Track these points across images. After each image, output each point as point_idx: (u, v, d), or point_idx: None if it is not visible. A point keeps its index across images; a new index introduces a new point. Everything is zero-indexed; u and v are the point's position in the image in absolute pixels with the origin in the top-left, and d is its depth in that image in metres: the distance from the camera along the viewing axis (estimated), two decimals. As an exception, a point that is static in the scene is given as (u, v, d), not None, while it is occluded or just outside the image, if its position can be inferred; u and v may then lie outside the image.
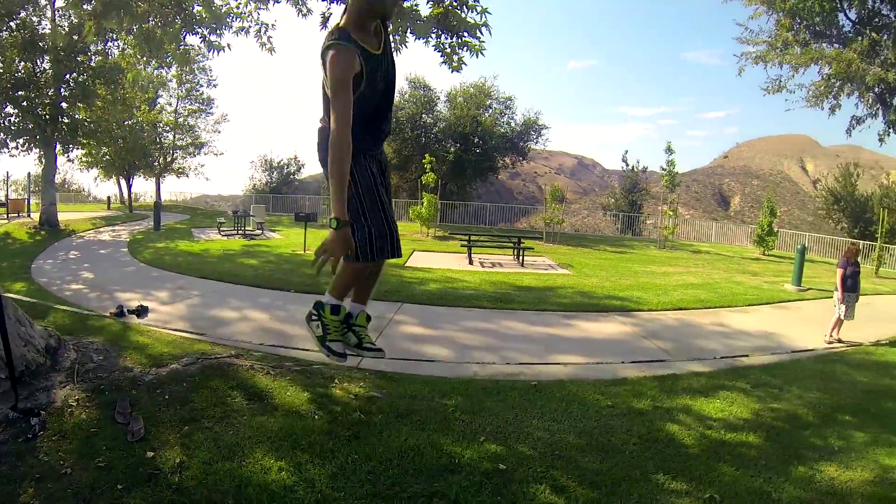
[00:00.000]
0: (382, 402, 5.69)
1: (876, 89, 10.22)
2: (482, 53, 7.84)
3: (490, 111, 37.52)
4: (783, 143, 77.19)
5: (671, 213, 28.25)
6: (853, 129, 10.98)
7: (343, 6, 3.33)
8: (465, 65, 7.96)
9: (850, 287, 10.90)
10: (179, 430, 4.64)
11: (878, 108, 10.66)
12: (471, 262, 17.42)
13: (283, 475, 4.14)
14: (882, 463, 5.86)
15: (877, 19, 9.96)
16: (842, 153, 62.55)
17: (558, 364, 7.70)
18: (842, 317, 10.91)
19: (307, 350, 7.24)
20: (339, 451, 4.55)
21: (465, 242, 18.48)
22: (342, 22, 3.01)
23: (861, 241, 28.09)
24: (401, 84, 41.06)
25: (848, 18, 10.37)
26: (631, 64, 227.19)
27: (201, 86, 38.62)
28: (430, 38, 8.18)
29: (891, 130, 10.65)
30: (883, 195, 36.14)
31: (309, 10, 9.13)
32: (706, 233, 36.50)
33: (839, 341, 10.96)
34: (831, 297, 11.46)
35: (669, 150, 28.74)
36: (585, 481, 4.61)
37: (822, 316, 12.02)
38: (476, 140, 36.09)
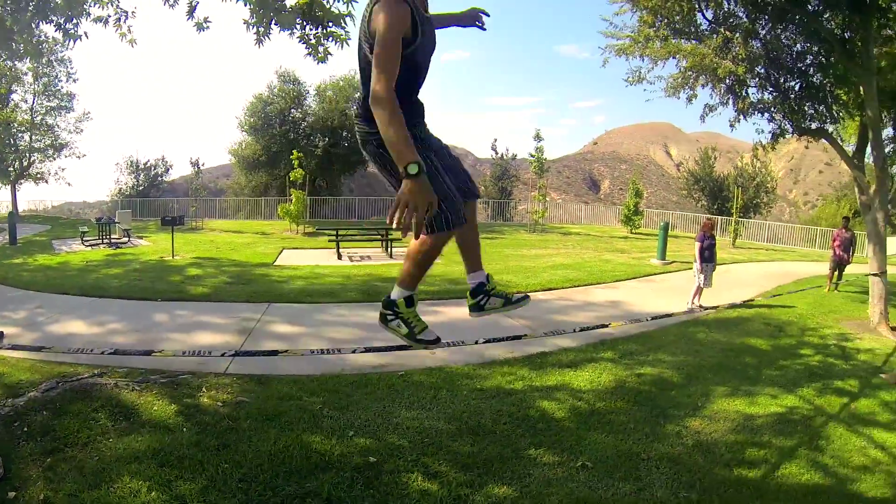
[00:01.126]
0: (251, 407, 5.60)
1: (727, 81, 10.95)
2: (347, 43, 7.63)
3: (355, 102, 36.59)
4: (649, 130, 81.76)
5: (541, 197, 28.93)
6: (706, 116, 11.71)
7: None
8: (331, 55, 7.56)
9: (707, 258, 11.74)
10: (42, 462, 4.34)
11: (728, 98, 11.44)
12: (339, 258, 17.22)
13: (153, 496, 4.01)
14: (743, 412, 6.39)
15: (732, 20, 10.76)
16: (702, 139, 67.22)
17: (422, 350, 7.77)
18: (701, 285, 11.75)
19: (175, 356, 6.82)
20: (209, 463, 4.45)
21: (333, 238, 18.13)
22: None
23: (718, 217, 30.31)
24: (269, 78, 39.48)
25: (705, 18, 11.10)
26: (504, 56, 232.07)
27: (60, 80, 34.46)
28: (294, 30, 7.83)
29: (740, 117, 11.44)
30: (737, 175, 39.36)
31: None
32: (578, 215, 37.66)
33: (701, 307, 11.67)
34: (692, 269, 12.19)
35: (538, 138, 29.39)
36: (457, 465, 4.71)
37: (684, 285, 12.85)
38: (344, 134, 35.33)
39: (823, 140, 12.25)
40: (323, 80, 37.58)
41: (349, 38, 7.68)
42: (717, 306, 11.62)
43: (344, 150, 35.00)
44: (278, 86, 35.59)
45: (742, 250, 24.88)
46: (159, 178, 39.86)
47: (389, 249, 18.07)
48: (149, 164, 39.19)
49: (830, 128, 12.32)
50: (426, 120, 3.00)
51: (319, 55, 7.92)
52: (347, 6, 7.51)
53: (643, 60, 11.86)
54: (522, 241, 24.04)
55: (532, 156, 29.65)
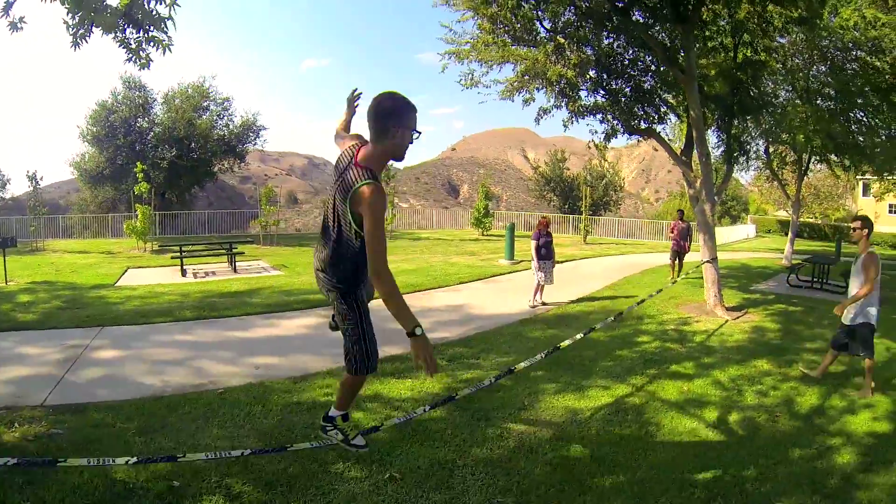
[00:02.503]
0: (63, 439, 4.93)
1: (559, 85, 11.23)
2: (169, 49, 7.29)
3: (208, 113, 35.68)
4: (506, 135, 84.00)
5: (389, 203, 28.49)
6: (541, 118, 12.12)
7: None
8: (152, 61, 7.22)
9: (544, 255, 11.75)
10: None
11: (562, 101, 11.78)
12: (183, 274, 16.21)
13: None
14: (572, 407, 6.09)
15: (569, 28, 11.07)
16: (558, 142, 69.84)
17: (250, 366, 7.23)
18: (541, 282, 11.75)
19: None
20: (12, 502, 3.93)
21: (177, 254, 17.12)
22: (365, 161, 3.32)
23: (570, 215, 31.67)
24: (114, 84, 36.71)
25: (543, 27, 11.33)
26: (365, 64, 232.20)
27: None
28: (116, 33, 7.30)
29: (573, 119, 11.82)
30: (586, 175, 41.48)
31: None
32: (435, 220, 38.02)
33: (543, 304, 11.78)
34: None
35: None
36: (261, 484, 4.31)
37: (529, 284, 12.68)
38: (192, 144, 34.12)
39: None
40: (171, 88, 35.75)
41: (171, 44, 7.33)
42: (560, 302, 11.85)
43: (191, 162, 33.48)
44: (123, 92, 33.34)
45: (593, 246, 25.84)
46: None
47: (234, 264, 17.30)
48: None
49: (659, 128, 12.93)
50: None
51: (142, 60, 7.45)
52: (170, 9, 7.05)
53: (482, 66, 11.97)
54: None
55: None
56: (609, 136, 12.44)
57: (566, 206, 39.48)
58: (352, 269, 3.51)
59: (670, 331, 9.71)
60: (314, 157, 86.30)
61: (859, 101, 17.34)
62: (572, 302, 12.13)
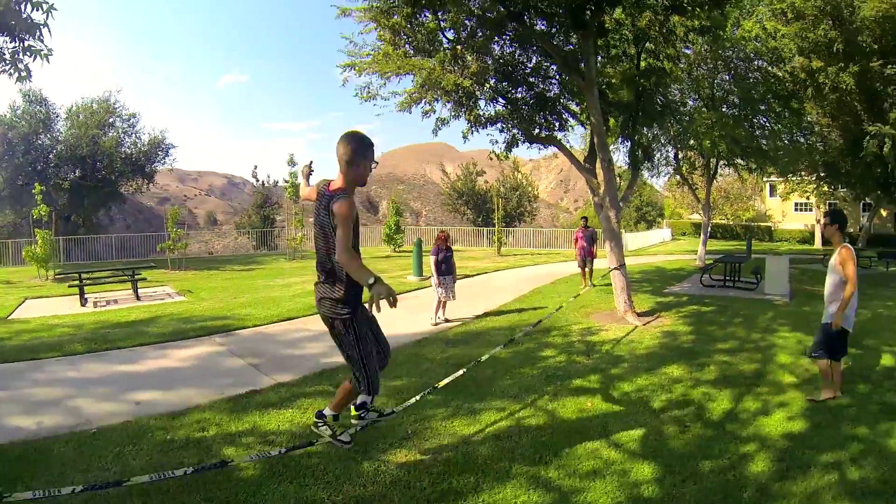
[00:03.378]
0: None
1: (458, 94, 10.90)
2: (48, 59, 6.96)
3: (113, 130, 33.83)
4: (424, 150, 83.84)
5: (298, 224, 28.57)
6: (439, 129, 11.74)
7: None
8: (31, 73, 7.00)
9: (445, 271, 11.27)
10: None
11: (460, 111, 11.42)
12: (83, 304, 15.16)
13: None
14: (461, 433, 5.52)
15: (472, 39, 10.73)
16: (476, 156, 70.13)
17: (132, 402, 6.70)
18: (442, 298, 11.27)
19: None
20: None
21: (75, 283, 15.89)
22: (340, 184, 4.12)
23: (485, 228, 31.58)
24: (13, 97, 34.89)
25: (445, 37, 10.96)
26: (285, 79, 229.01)
27: None
28: None
29: (473, 129, 11.46)
30: (500, 187, 41.47)
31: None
32: (350, 238, 37.10)
33: (446, 321, 11.29)
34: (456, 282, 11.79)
35: (292, 163, 28.94)
36: None
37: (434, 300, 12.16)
38: (97, 164, 32.07)
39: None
40: (75, 102, 33.98)
41: (50, 53, 6.96)
42: (465, 318, 11.35)
43: (96, 182, 31.68)
44: (23, 107, 30.96)
45: (507, 258, 25.70)
46: None
47: (136, 291, 16.35)
48: None
49: (561, 135, 12.71)
50: None
51: (22, 73, 7.13)
52: (47, 14, 6.68)
53: (381, 78, 11.54)
54: (280, 271, 22.81)
55: (286, 181, 29.11)
56: (510, 146, 12.13)
57: (480, 219, 39.40)
58: (351, 283, 4.14)
59: (577, 342, 9.30)
60: (233, 177, 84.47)
61: (762, 107, 17.99)
62: (478, 317, 11.65)
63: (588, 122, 12.05)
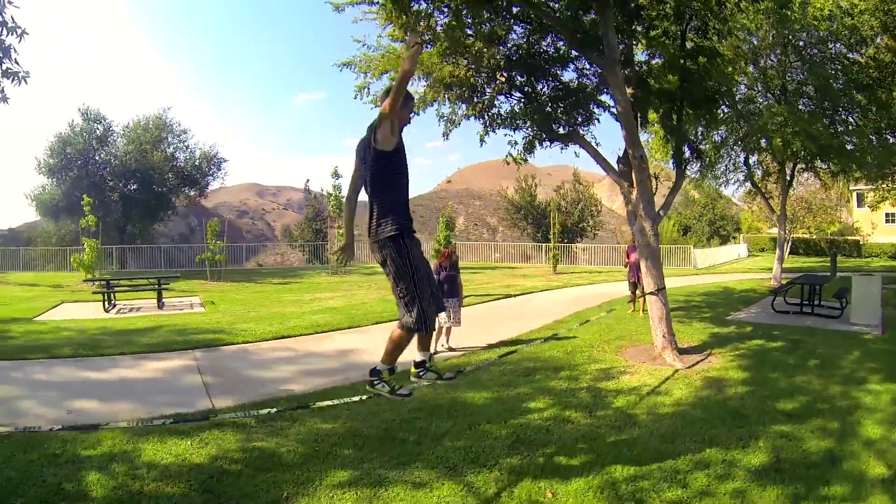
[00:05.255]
0: None
1: (459, 89, 9.32)
2: (26, 81, 7.01)
3: (165, 145, 34.18)
4: (501, 166, 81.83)
5: (341, 237, 26.59)
6: (449, 132, 9.81)
7: None
8: (8, 97, 7.04)
9: (447, 293, 9.30)
10: None
11: (462, 107, 9.65)
12: (107, 310, 14.97)
13: None
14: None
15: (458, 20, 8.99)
16: (554, 172, 67.81)
17: (65, 410, 6.34)
18: (442, 324, 9.25)
19: None
20: None
21: (99, 290, 16.15)
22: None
23: (543, 244, 29.30)
24: (71, 115, 36.93)
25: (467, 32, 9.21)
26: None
27: None
28: None
29: (489, 130, 9.57)
30: (559, 201, 38.51)
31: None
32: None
33: (449, 349, 9.35)
34: (488, 303, 9.81)
35: (336, 175, 27.64)
36: None
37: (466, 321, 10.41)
38: (149, 177, 32.23)
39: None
40: (131, 120, 34.53)
41: (28, 75, 7.09)
42: (472, 347, 9.33)
43: (147, 195, 32.14)
44: (81, 124, 31.62)
45: (563, 276, 23.40)
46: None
47: (159, 300, 16.16)
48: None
49: (584, 131, 10.08)
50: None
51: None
52: (21, 38, 6.86)
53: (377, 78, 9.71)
54: (315, 285, 21.30)
55: (329, 194, 28.15)
56: (531, 147, 9.83)
57: (539, 234, 36.68)
58: (394, 197, 4.01)
59: (585, 389, 6.91)
60: (311, 192, 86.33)
61: (843, 100, 14.90)
62: (489, 346, 9.50)
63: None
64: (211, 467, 4.60)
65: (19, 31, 6.76)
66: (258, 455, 4.86)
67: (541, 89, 9.78)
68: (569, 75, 10.03)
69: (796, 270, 23.45)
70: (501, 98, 9.73)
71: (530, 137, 9.76)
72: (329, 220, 29.69)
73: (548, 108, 9.53)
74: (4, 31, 6.82)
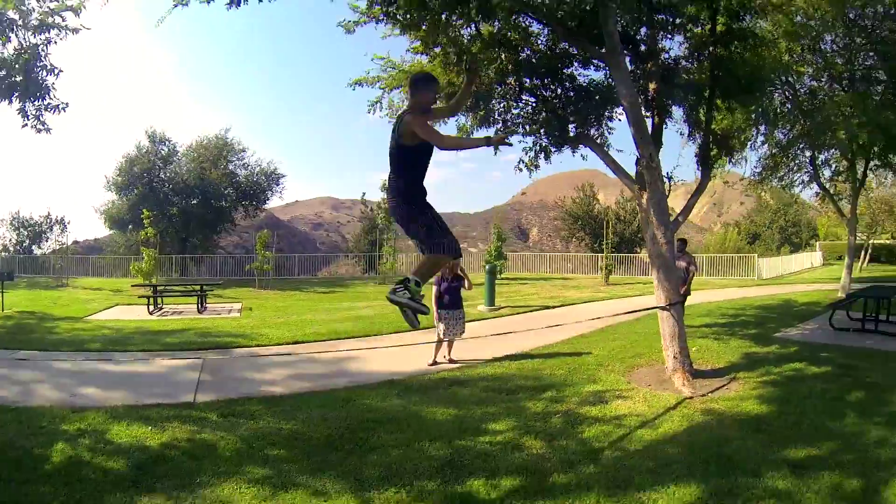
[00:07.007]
0: None
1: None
2: (65, 110, 8.27)
3: (232, 163, 36.17)
4: (576, 177, 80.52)
5: (390, 249, 27.33)
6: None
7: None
8: (51, 128, 8.52)
9: (448, 304, 8.89)
10: None
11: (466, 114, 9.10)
12: (150, 313, 15.68)
13: None
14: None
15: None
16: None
17: (70, 394, 7.06)
18: (441, 335, 8.86)
19: None
20: None
21: (144, 295, 17.03)
22: (409, 108, 4.24)
23: (599, 254, 28.08)
24: (139, 137, 38.81)
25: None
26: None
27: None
28: (12, 101, 8.40)
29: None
30: (619, 209, 37.02)
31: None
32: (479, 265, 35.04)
33: (451, 361, 8.86)
34: (524, 314, 9.37)
35: (385, 188, 27.03)
36: None
37: (487, 331, 10.40)
38: (207, 193, 34.23)
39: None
40: (194, 139, 36.64)
41: (66, 105, 8.44)
42: (478, 360, 8.81)
43: (202, 210, 34.15)
44: (147, 146, 33.98)
45: (613, 287, 22.27)
46: (42, 235, 37.33)
47: (201, 305, 16.86)
48: (34, 221, 36.93)
49: (595, 133, 9.40)
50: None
51: (41, 126, 8.65)
52: (57, 76, 8.54)
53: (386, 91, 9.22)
54: (358, 295, 21.13)
55: (379, 207, 28.65)
56: (547, 152, 9.09)
57: (597, 245, 34.92)
58: (411, 182, 4.19)
59: (559, 413, 6.12)
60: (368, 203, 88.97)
61: None
62: (495, 360, 8.87)
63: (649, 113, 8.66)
64: (155, 451, 4.97)
65: (56, 71, 8.24)
66: (199, 445, 5.15)
67: (550, 92, 9.07)
68: (595, 75, 9.24)
69: (871, 280, 21.33)
70: (504, 103, 9.09)
71: (541, 143, 9.09)
72: (377, 231, 29.94)
73: (559, 111, 8.81)
74: (44, 72, 8.24)
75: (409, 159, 4.15)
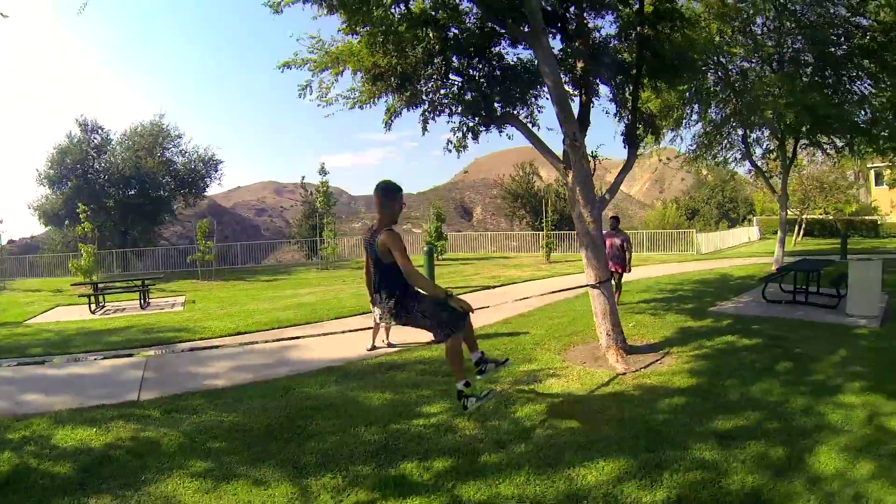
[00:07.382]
0: None
1: (391, 80, 8.70)
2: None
3: (169, 150, 35.47)
4: (516, 154, 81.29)
5: (329, 234, 27.27)
6: (390, 122, 9.02)
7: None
8: None
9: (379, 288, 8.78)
10: None
11: (389, 94, 9.04)
12: (92, 312, 15.31)
13: None
14: None
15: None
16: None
17: (14, 401, 6.83)
18: (377, 320, 8.75)
19: None
20: None
21: (84, 293, 16.68)
22: (385, 223, 4.80)
23: (540, 232, 28.50)
24: (69, 128, 38.61)
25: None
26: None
27: None
28: None
29: (431, 117, 8.80)
30: (558, 187, 37.23)
31: None
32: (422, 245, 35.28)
33: (390, 346, 8.95)
34: (464, 295, 9.24)
35: (322, 171, 27.79)
36: None
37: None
38: (145, 183, 33.29)
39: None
40: (129, 126, 35.62)
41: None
42: (414, 343, 8.88)
43: (148, 199, 33.26)
44: (79, 136, 32.84)
45: (554, 265, 22.76)
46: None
47: (144, 300, 16.62)
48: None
49: (523, 112, 9.50)
50: None
51: None
52: None
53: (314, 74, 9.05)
54: (301, 282, 21.19)
55: (318, 190, 28.25)
56: (475, 132, 9.14)
57: (538, 223, 35.51)
58: (399, 286, 4.81)
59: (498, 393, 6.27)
60: (334, 187, 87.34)
61: (850, 67, 13.58)
62: (433, 343, 8.90)
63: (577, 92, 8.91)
64: (100, 452, 4.95)
65: None
66: (143, 443, 5.15)
67: (478, 72, 9.15)
68: (523, 53, 9.36)
69: (804, 254, 22.41)
70: (432, 83, 9.07)
71: (468, 123, 9.14)
72: (317, 216, 29.75)
73: (485, 90, 8.87)
74: None
75: (395, 270, 4.63)
